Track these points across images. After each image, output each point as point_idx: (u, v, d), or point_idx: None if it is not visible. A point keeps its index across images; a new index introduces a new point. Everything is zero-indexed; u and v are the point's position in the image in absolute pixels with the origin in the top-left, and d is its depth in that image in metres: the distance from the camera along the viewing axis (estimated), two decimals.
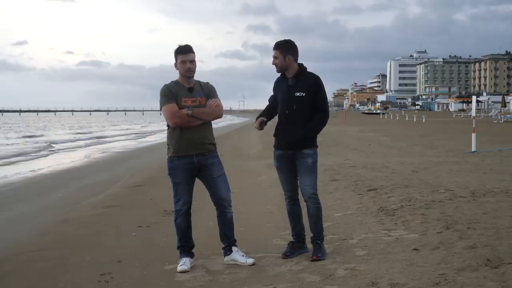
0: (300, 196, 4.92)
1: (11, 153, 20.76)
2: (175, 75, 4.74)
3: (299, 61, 4.84)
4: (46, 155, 19.75)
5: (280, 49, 4.74)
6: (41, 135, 36.93)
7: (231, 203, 4.84)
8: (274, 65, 4.80)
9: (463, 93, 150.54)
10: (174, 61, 4.67)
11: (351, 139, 21.40)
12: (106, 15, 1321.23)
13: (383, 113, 78.25)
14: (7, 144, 26.88)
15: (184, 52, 4.61)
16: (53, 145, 25.38)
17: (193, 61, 4.63)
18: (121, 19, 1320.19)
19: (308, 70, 4.87)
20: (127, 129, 48.85)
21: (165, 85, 4.68)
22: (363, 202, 7.12)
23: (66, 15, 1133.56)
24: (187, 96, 4.61)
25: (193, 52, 4.65)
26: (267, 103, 5.07)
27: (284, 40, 4.83)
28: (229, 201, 4.82)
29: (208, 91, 4.74)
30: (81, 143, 27.73)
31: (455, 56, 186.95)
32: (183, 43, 4.68)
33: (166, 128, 4.80)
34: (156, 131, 39.96)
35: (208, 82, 4.83)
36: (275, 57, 4.76)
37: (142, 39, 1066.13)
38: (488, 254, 4.21)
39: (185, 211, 4.75)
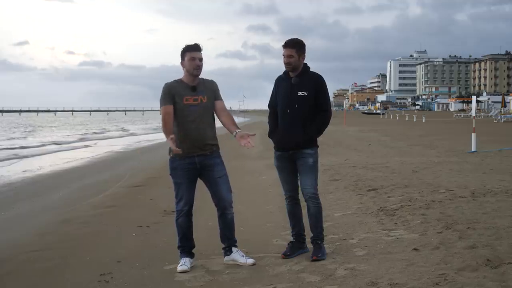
0: (300, 196, 4.92)
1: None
2: (175, 75, 4.74)
3: None
4: None
5: (296, 48, 4.70)
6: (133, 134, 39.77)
7: (232, 204, 4.82)
8: (287, 64, 4.72)
9: (463, 93, 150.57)
10: (179, 60, 4.67)
11: (351, 139, 21.39)
12: (104, 15, 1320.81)
13: (383, 113, 78.22)
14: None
15: (193, 50, 4.62)
16: None
17: (201, 59, 4.64)
18: (119, 19, 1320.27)
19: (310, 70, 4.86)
20: None
21: (167, 83, 4.67)
22: (363, 202, 7.12)
23: (66, 15, 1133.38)
24: (189, 95, 4.61)
25: (201, 51, 4.66)
26: (268, 109, 5.04)
27: (299, 39, 4.78)
28: (230, 202, 4.80)
29: (213, 91, 4.74)
30: None
31: (455, 56, 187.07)
32: (191, 43, 4.67)
33: None
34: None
35: (212, 80, 4.82)
36: (290, 56, 4.69)
37: (142, 39, 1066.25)
38: (488, 254, 4.20)
39: (186, 211, 4.74)
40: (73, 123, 71.86)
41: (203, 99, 4.65)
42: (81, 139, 31.88)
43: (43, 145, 26.42)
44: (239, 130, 4.55)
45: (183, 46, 4.68)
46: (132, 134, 38.65)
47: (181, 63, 4.67)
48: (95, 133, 41.30)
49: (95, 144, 27.17)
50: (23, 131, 46.20)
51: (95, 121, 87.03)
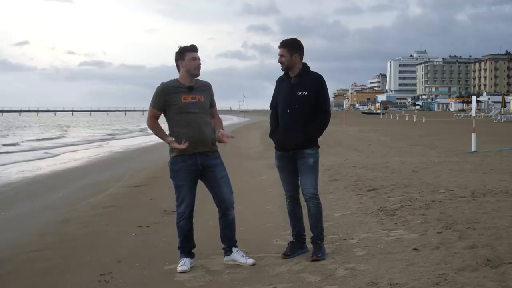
0: (300, 196, 4.92)
1: None
2: (175, 75, 4.74)
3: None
4: None
5: (288, 48, 4.73)
6: None
7: (233, 205, 4.82)
8: (280, 63, 4.79)
9: (463, 93, 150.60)
10: (177, 60, 4.68)
11: (351, 139, 21.39)
12: (104, 15, 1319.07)
13: (383, 113, 78.22)
14: None
15: (194, 50, 4.68)
16: None
17: (200, 59, 4.69)
18: (119, 19, 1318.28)
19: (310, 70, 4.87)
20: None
21: (163, 83, 4.69)
22: (363, 202, 7.12)
23: (66, 15, 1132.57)
24: (187, 94, 4.63)
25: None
26: (270, 109, 5.04)
27: (292, 39, 4.82)
28: (232, 203, 4.79)
29: (209, 92, 4.78)
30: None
31: (455, 56, 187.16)
32: (188, 44, 4.71)
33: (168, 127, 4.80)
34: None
35: (207, 82, 4.84)
36: (281, 55, 4.75)
37: (142, 39, 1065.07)
38: (488, 254, 4.21)
39: (188, 214, 4.73)
40: (94, 124, 72.09)
41: (200, 98, 4.67)
42: (107, 139, 32.48)
43: (80, 143, 27.85)
44: (222, 130, 4.79)
45: (179, 47, 4.71)
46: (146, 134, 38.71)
47: (179, 63, 4.67)
48: (117, 134, 41.29)
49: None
50: (58, 130, 47.48)
51: (112, 121, 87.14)
